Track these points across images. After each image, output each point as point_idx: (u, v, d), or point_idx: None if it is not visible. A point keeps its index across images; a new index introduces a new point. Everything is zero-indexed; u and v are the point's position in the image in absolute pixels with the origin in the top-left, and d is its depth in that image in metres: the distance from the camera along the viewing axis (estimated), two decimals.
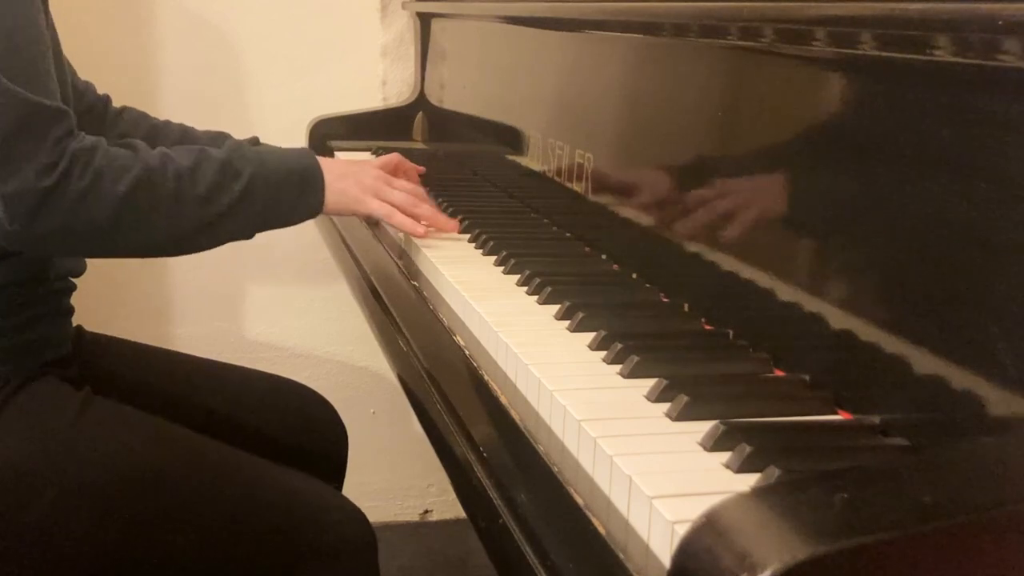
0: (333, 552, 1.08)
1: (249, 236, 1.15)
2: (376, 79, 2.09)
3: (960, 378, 0.63)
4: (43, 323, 1.13)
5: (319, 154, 1.88)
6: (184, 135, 1.41)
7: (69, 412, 1.07)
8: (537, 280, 1.02)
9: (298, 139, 1.92)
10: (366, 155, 1.82)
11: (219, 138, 1.40)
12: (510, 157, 1.47)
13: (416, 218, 1.21)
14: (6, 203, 0.98)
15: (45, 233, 1.01)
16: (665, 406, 0.73)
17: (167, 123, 1.44)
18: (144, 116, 1.45)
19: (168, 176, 1.06)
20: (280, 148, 1.24)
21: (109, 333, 1.34)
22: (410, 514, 2.28)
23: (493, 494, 0.74)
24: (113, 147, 1.06)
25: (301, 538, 1.07)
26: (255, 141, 1.40)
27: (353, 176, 1.20)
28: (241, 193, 1.10)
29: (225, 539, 1.07)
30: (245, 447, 1.16)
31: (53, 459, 1.02)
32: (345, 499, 1.16)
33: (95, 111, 1.39)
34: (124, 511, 1.03)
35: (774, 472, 0.61)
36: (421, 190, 1.28)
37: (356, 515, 1.13)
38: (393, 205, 1.20)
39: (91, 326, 1.32)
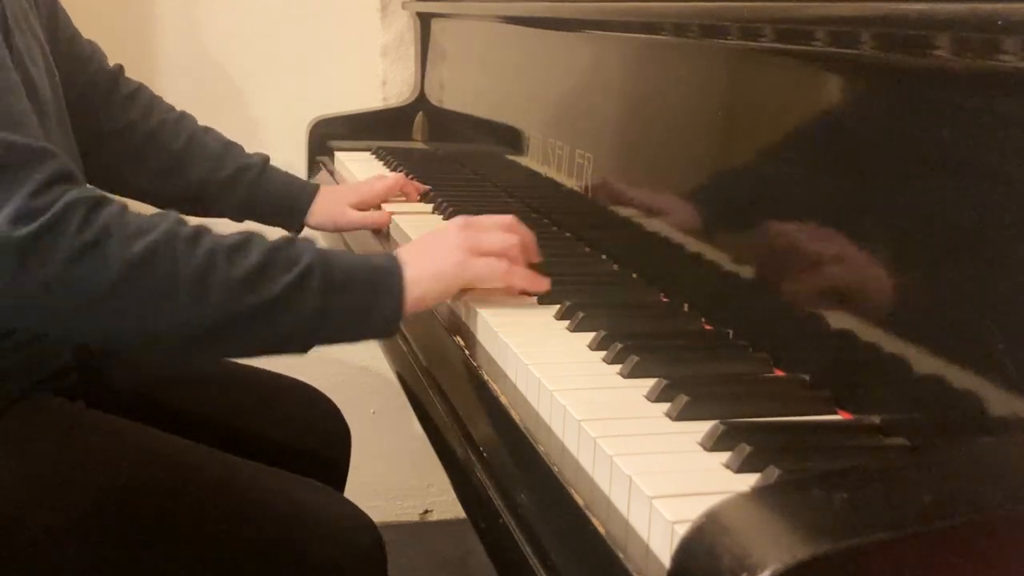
0: (340, 562, 1.05)
1: (299, 348, 0.92)
2: (376, 79, 2.09)
3: (960, 378, 0.63)
4: (40, 343, 1.08)
5: (319, 154, 1.90)
6: (190, 142, 1.33)
7: (57, 436, 1.02)
8: None
9: (298, 139, 1.92)
10: (366, 155, 1.82)
11: (230, 149, 1.36)
12: (510, 157, 1.47)
13: (525, 262, 1.00)
14: None
15: (33, 293, 0.82)
16: (665, 406, 0.73)
17: (178, 120, 1.34)
18: (157, 105, 1.35)
19: (200, 247, 0.85)
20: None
21: None
22: (410, 514, 2.28)
23: (493, 494, 0.74)
24: (135, 212, 0.87)
25: (306, 550, 1.04)
26: (265, 159, 1.38)
27: (439, 247, 0.95)
28: (291, 286, 0.86)
29: (227, 556, 1.03)
30: (247, 448, 1.15)
31: (41, 482, 0.98)
32: (351, 505, 1.12)
33: (100, 86, 1.28)
34: (116, 536, 0.99)
35: (774, 472, 0.61)
36: (507, 217, 1.02)
37: (363, 522, 1.09)
38: (495, 253, 0.97)
39: None
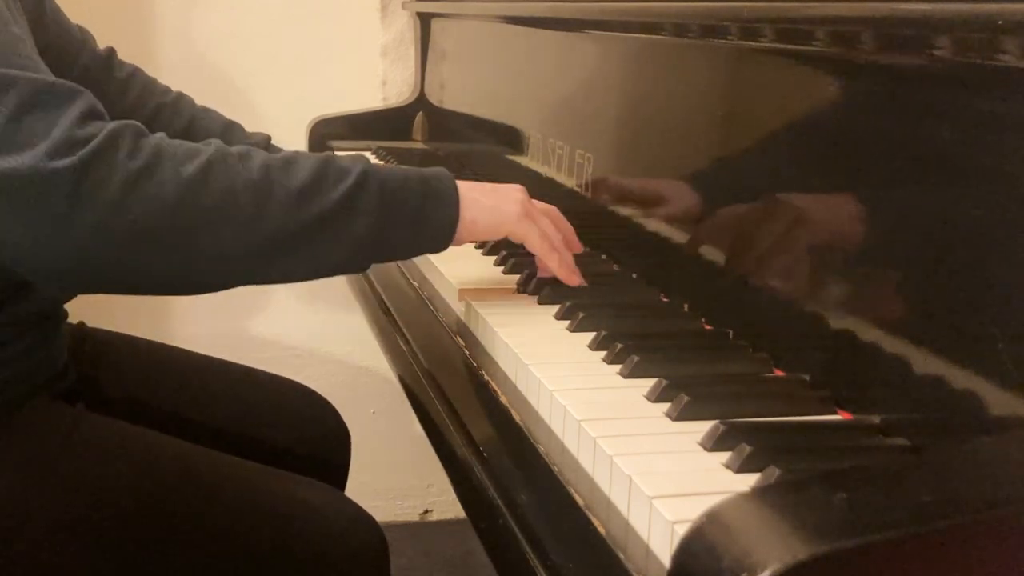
0: (343, 560, 1.05)
1: (359, 265, 0.91)
2: (376, 79, 2.09)
3: (960, 378, 0.63)
4: (38, 350, 1.07)
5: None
6: (192, 123, 1.31)
7: (57, 441, 1.01)
8: (537, 280, 1.02)
9: (298, 139, 1.92)
10: (366, 155, 1.81)
11: (231, 128, 1.34)
12: (510, 157, 1.47)
13: (562, 255, 0.99)
14: (37, 191, 0.76)
15: (87, 235, 0.77)
16: (665, 406, 0.73)
17: (177, 101, 1.32)
18: (152, 87, 1.31)
19: (252, 164, 0.83)
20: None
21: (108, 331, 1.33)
22: (410, 514, 2.28)
23: (493, 494, 0.74)
24: (179, 140, 0.84)
25: (308, 549, 1.04)
26: (267, 138, 1.36)
27: (499, 193, 0.95)
28: (348, 195, 0.85)
29: (229, 556, 1.03)
30: (246, 449, 1.15)
31: (40, 489, 0.98)
32: (353, 504, 1.12)
33: (92, 73, 1.22)
34: (116, 540, 0.99)
35: (774, 472, 0.61)
36: (556, 211, 1.03)
37: (365, 520, 1.10)
38: (547, 235, 0.98)
39: (92, 323, 1.32)
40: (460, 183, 0.93)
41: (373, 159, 1.77)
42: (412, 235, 0.90)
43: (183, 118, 1.31)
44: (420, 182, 0.90)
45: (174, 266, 0.83)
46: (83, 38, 1.25)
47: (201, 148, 0.83)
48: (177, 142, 0.84)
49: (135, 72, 1.30)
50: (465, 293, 1.00)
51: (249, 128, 1.41)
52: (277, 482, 1.10)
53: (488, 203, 0.93)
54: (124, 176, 0.78)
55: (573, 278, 1.00)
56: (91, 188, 0.77)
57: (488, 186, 0.96)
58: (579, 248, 1.04)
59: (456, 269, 1.09)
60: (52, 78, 0.82)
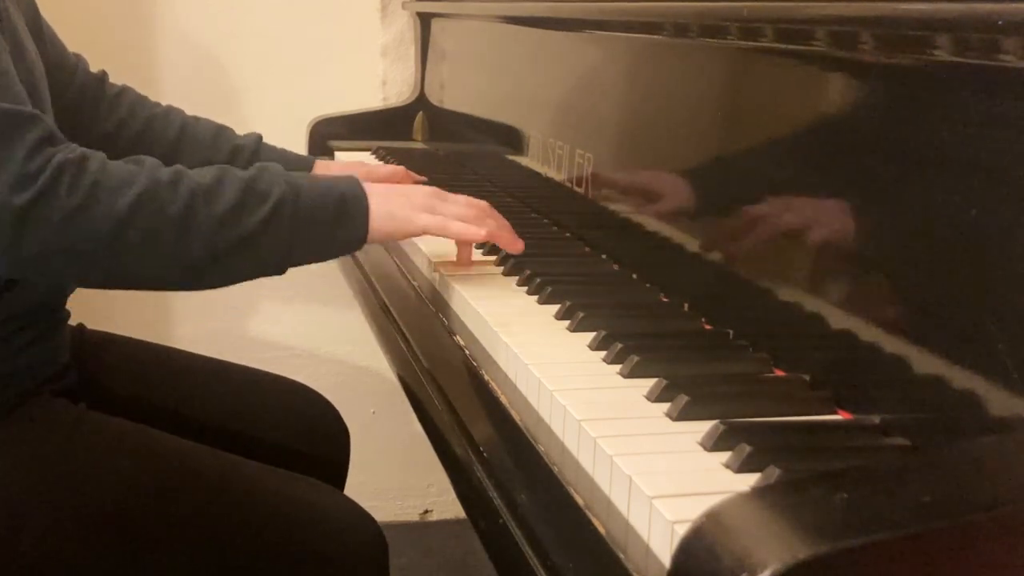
0: (342, 560, 1.06)
1: (278, 270, 0.99)
2: (376, 79, 2.09)
3: (960, 378, 0.63)
4: (39, 346, 1.09)
5: (320, 154, 1.89)
6: (183, 130, 1.36)
7: (59, 437, 1.02)
8: (537, 280, 1.02)
9: (298, 139, 1.92)
10: (366, 155, 1.82)
11: (222, 132, 1.38)
12: (510, 157, 1.47)
13: (477, 222, 1.06)
14: None
15: (33, 256, 0.88)
16: (665, 406, 0.73)
17: (167, 113, 1.38)
18: (143, 103, 1.38)
19: (180, 193, 0.91)
20: (321, 176, 1.10)
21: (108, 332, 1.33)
22: (410, 514, 2.28)
23: (493, 494, 0.74)
24: (113, 162, 0.93)
25: (308, 546, 1.04)
26: (258, 139, 1.39)
27: (402, 195, 1.04)
28: (267, 217, 0.94)
29: (229, 554, 1.03)
30: (246, 449, 1.15)
31: (43, 486, 0.99)
32: (352, 503, 1.13)
33: (88, 93, 1.32)
34: (118, 536, 1.00)
35: (774, 472, 0.61)
36: (485, 203, 1.10)
37: (364, 520, 1.10)
38: (450, 217, 1.05)
39: (92, 325, 1.32)
40: (371, 192, 1.01)
41: (373, 159, 1.78)
42: (321, 250, 1.00)
43: (174, 127, 1.36)
44: (335, 205, 0.99)
45: (111, 281, 0.96)
46: (77, 60, 1.32)
47: (135, 176, 0.91)
48: (115, 167, 0.92)
49: (125, 89, 1.38)
50: (460, 286, 1.01)
51: (248, 130, 1.41)
52: (278, 481, 1.10)
53: (385, 209, 1.01)
54: (63, 215, 0.87)
55: (516, 244, 1.08)
56: (33, 225, 0.87)
57: (391, 188, 1.06)
58: (505, 226, 1.09)
59: (456, 269, 1.09)
60: (7, 104, 0.89)
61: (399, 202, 1.02)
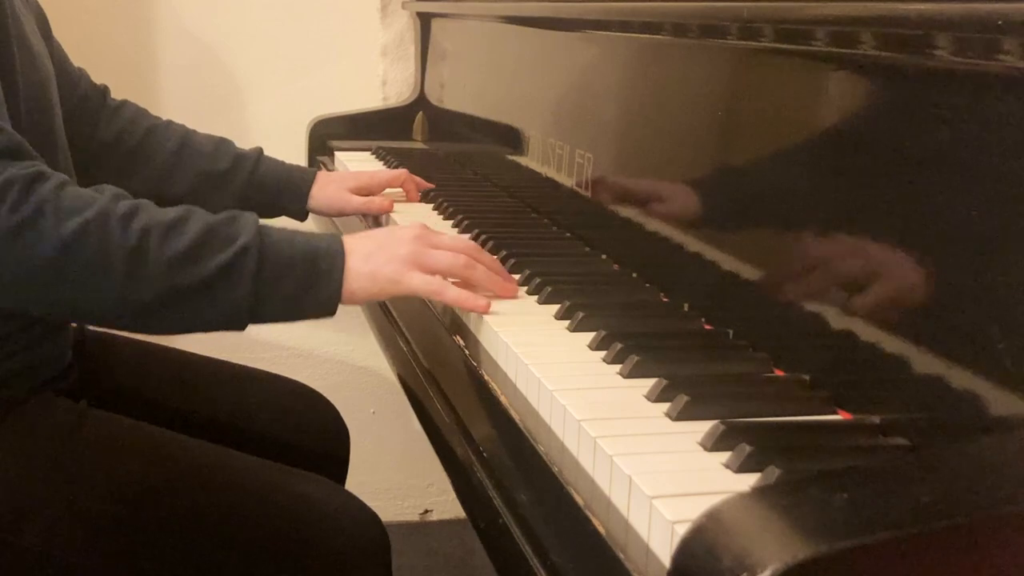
0: (345, 554, 1.06)
1: (239, 326, 0.91)
2: (376, 79, 2.09)
3: (960, 378, 0.63)
4: (43, 344, 1.09)
5: (319, 154, 1.90)
6: (184, 141, 1.36)
7: (62, 432, 1.03)
8: (537, 280, 1.02)
9: (298, 139, 1.92)
10: (366, 155, 1.82)
11: (223, 143, 1.38)
12: (510, 157, 1.47)
13: (471, 284, 0.97)
14: None
15: None
16: (665, 406, 0.73)
17: (168, 124, 1.39)
18: (143, 114, 1.39)
19: (132, 227, 0.85)
20: (301, 232, 0.96)
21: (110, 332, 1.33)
22: (410, 514, 2.28)
23: (493, 494, 0.74)
24: (74, 186, 0.88)
25: (310, 543, 1.04)
26: (259, 150, 1.39)
27: (385, 251, 0.94)
28: (225, 267, 0.86)
29: (232, 549, 1.03)
30: (247, 449, 1.15)
31: (45, 483, 0.99)
32: (356, 499, 1.12)
33: (90, 103, 1.33)
34: (121, 532, 1.00)
35: (774, 472, 0.61)
36: (469, 241, 1.02)
37: (366, 515, 1.10)
38: (439, 271, 0.95)
39: (93, 326, 1.32)
40: (351, 251, 0.92)
41: (373, 159, 1.78)
42: (289, 310, 0.91)
43: (174, 138, 1.36)
44: (308, 256, 0.91)
45: (55, 311, 0.92)
46: (81, 71, 1.33)
47: (90, 203, 0.86)
48: (72, 191, 0.86)
49: (126, 102, 1.38)
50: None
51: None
52: (281, 477, 1.11)
53: (367, 269, 0.93)
54: (3, 231, 0.82)
55: (508, 289, 0.98)
56: None
57: (374, 241, 0.95)
58: (506, 280, 1.00)
59: None
60: None
61: (383, 258, 0.93)
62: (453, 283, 0.96)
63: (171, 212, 0.89)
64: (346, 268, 0.92)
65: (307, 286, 0.90)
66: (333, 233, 0.97)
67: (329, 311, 0.93)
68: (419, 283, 0.94)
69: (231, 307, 0.88)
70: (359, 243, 0.95)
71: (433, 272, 0.95)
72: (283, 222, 1.17)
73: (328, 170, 1.79)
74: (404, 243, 0.96)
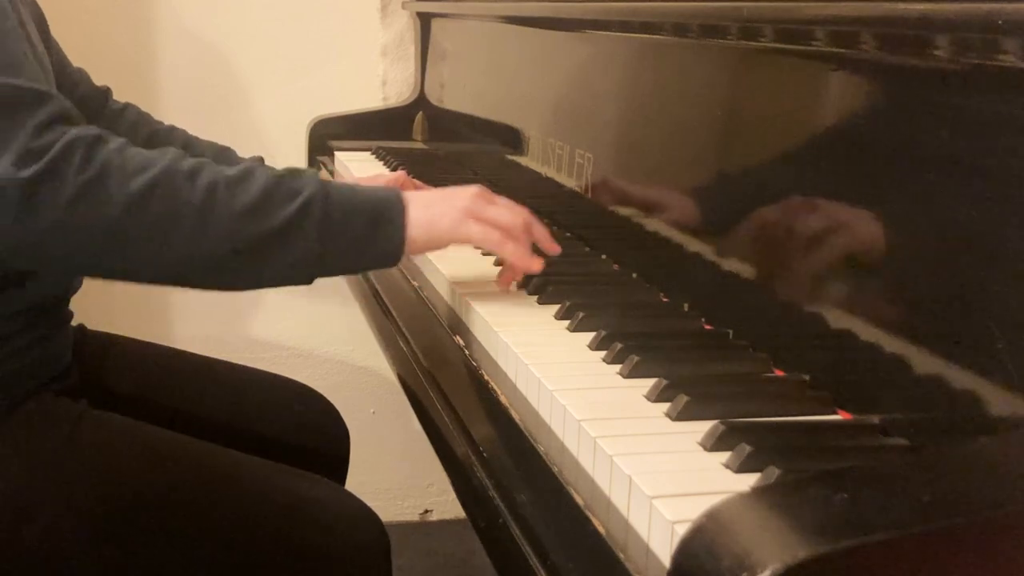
0: (345, 553, 1.06)
1: (306, 278, 0.92)
2: (376, 79, 2.09)
3: (960, 378, 0.63)
4: (43, 344, 1.09)
5: (319, 154, 1.90)
6: (186, 146, 1.35)
7: (62, 432, 1.02)
8: (537, 280, 1.02)
9: (298, 139, 1.92)
10: (366, 155, 1.82)
11: (225, 151, 1.37)
12: (510, 157, 1.47)
13: (526, 244, 0.99)
14: None
15: (39, 234, 0.84)
16: (665, 406, 0.73)
17: (171, 130, 1.38)
18: (146, 118, 1.38)
19: (198, 184, 0.87)
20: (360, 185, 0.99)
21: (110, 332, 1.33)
22: (410, 514, 2.28)
23: (493, 494, 0.74)
24: (136, 147, 0.89)
25: (311, 542, 1.04)
26: (260, 160, 1.38)
27: (445, 201, 0.96)
28: (293, 217, 0.88)
29: (232, 549, 1.04)
30: (247, 449, 1.16)
31: (46, 482, 0.99)
32: (356, 499, 1.13)
33: (91, 105, 1.31)
34: (120, 532, 1.00)
35: (774, 472, 0.61)
36: (525, 209, 1.02)
37: (366, 514, 1.10)
38: (498, 227, 0.97)
39: (92, 325, 1.32)
40: (411, 200, 0.94)
41: (373, 159, 1.78)
42: (354, 258, 0.94)
43: (177, 144, 1.34)
44: (371, 206, 0.92)
45: (123, 271, 0.91)
46: (81, 73, 1.33)
47: (154, 161, 0.87)
48: (134, 151, 0.88)
49: (129, 105, 1.38)
50: (459, 285, 1.00)
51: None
52: (281, 476, 1.11)
53: (426, 218, 0.94)
54: (72, 192, 0.83)
55: (532, 264, 1.00)
56: (38, 204, 0.83)
57: (434, 195, 0.98)
58: (554, 248, 1.03)
59: (456, 270, 1.09)
60: (19, 81, 0.87)
61: (442, 208, 0.95)
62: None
63: (235, 168, 0.90)
64: (406, 216, 0.93)
65: (371, 235, 0.92)
66: (390, 187, 0.99)
67: (393, 259, 0.94)
68: (477, 232, 0.96)
69: (299, 258, 0.89)
70: (417, 196, 0.96)
71: (492, 225, 0.97)
72: None
73: (328, 170, 1.80)
74: (464, 197, 0.98)
